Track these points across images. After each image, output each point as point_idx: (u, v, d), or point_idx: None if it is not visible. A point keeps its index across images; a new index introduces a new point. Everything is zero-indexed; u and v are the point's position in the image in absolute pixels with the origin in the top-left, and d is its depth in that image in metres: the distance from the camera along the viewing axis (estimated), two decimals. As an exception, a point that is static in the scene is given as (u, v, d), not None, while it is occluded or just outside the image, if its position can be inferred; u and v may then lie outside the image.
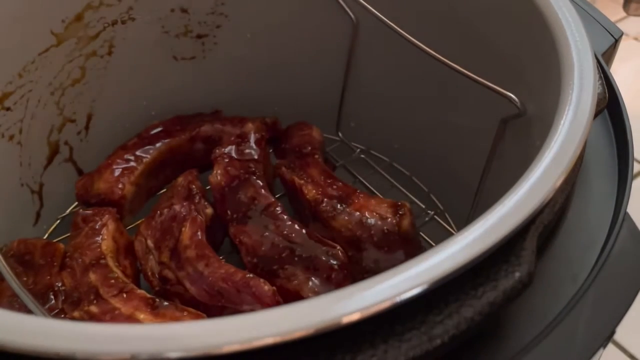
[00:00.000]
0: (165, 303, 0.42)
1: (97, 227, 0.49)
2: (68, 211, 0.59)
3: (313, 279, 0.45)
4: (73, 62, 0.54)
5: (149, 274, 0.48)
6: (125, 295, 0.43)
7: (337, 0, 0.56)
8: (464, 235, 0.28)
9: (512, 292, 0.29)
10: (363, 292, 0.26)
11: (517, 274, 0.29)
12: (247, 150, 0.55)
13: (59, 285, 0.46)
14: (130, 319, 0.41)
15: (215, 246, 0.51)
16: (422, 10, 0.52)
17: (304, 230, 0.48)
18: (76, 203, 0.58)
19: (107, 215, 0.50)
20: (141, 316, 0.41)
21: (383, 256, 0.48)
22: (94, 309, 0.43)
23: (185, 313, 0.42)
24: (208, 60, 0.61)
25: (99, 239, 0.48)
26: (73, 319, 0.43)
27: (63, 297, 0.45)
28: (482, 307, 0.28)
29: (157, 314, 0.42)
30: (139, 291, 0.44)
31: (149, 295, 0.44)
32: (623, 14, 0.77)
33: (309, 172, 0.53)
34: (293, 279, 0.45)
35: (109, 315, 0.42)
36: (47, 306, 0.44)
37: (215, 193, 0.52)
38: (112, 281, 0.45)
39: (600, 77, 0.39)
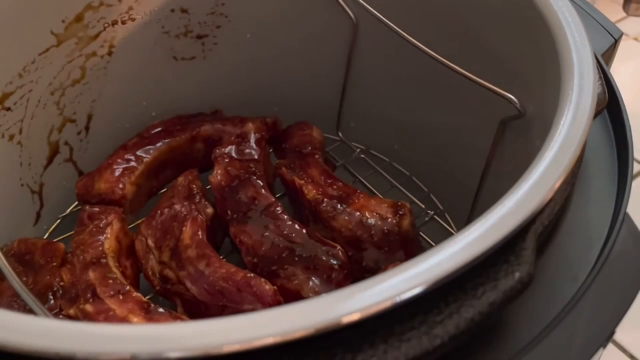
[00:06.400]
0: (161, 309, 0.42)
1: (101, 225, 0.50)
2: (68, 211, 0.59)
3: (313, 278, 0.45)
4: (73, 62, 0.54)
5: (150, 273, 0.48)
6: (121, 297, 0.44)
7: (337, 0, 0.56)
8: (464, 235, 0.28)
9: (512, 292, 0.29)
10: (363, 292, 0.26)
11: (517, 274, 0.29)
12: (248, 150, 0.55)
13: (58, 281, 0.46)
14: (124, 321, 0.41)
15: (216, 246, 0.52)
16: (421, 10, 0.52)
17: (304, 230, 0.48)
18: (76, 203, 0.58)
19: (112, 214, 0.50)
20: (135, 319, 0.42)
21: (383, 256, 0.48)
22: (89, 307, 0.43)
23: (178, 321, 0.42)
24: (208, 60, 0.61)
25: (102, 237, 0.49)
26: (69, 316, 0.43)
27: (61, 292, 0.45)
28: (482, 307, 0.28)
29: (151, 318, 0.42)
30: (135, 294, 0.44)
31: (144, 299, 0.44)
32: (623, 14, 0.77)
33: (309, 172, 0.53)
34: (293, 278, 0.45)
35: (103, 316, 0.42)
36: (46, 306, 0.44)
37: (215, 193, 0.52)
38: (110, 281, 0.45)
39: (600, 77, 0.39)
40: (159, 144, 0.57)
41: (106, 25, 0.55)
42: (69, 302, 0.44)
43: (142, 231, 0.50)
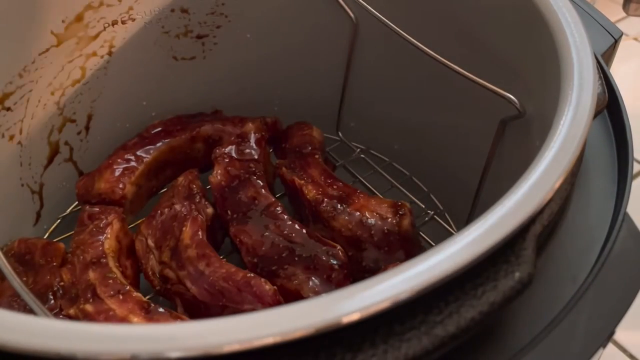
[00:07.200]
0: (161, 309, 0.43)
1: (102, 225, 0.50)
2: (68, 211, 0.59)
3: (313, 278, 0.45)
4: (73, 62, 0.54)
5: (150, 273, 0.48)
6: (121, 297, 0.44)
7: (337, 0, 0.56)
8: (464, 236, 0.28)
9: (512, 293, 0.29)
10: (363, 292, 0.26)
11: (517, 274, 0.29)
12: (248, 150, 0.55)
13: (58, 281, 0.46)
14: (124, 321, 0.42)
15: (216, 246, 0.52)
16: (421, 10, 0.52)
17: (304, 230, 0.48)
18: (76, 203, 0.58)
19: (112, 214, 0.50)
20: (134, 320, 0.42)
21: (383, 256, 0.48)
22: (89, 307, 0.43)
23: (178, 321, 0.42)
24: (208, 60, 0.61)
25: (102, 237, 0.49)
26: (69, 316, 0.43)
27: (61, 292, 0.45)
28: (482, 307, 0.28)
29: (151, 318, 0.42)
30: (135, 294, 0.44)
31: (144, 299, 0.44)
32: (623, 14, 0.77)
33: (309, 172, 0.53)
34: (293, 278, 0.45)
35: (103, 316, 0.42)
36: (46, 306, 0.44)
37: (215, 193, 0.52)
38: (110, 281, 0.45)
39: (600, 77, 0.39)
40: (159, 144, 0.57)
41: (106, 25, 0.55)
42: (69, 302, 0.44)
43: (142, 231, 0.50)
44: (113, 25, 0.55)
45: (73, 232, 0.51)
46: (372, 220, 0.48)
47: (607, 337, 0.33)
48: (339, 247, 0.46)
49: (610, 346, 0.71)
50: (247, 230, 0.48)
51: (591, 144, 0.43)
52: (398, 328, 0.27)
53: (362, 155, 0.64)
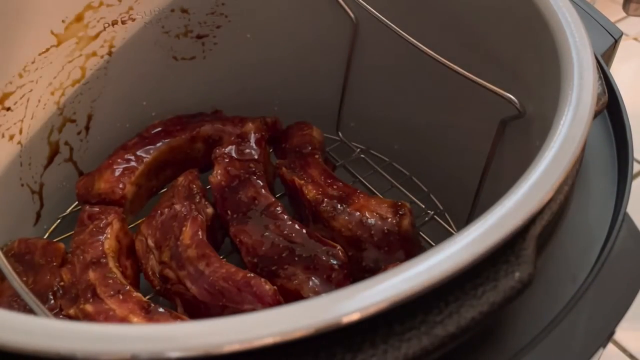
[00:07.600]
0: (161, 309, 0.43)
1: (101, 225, 0.50)
2: (68, 211, 0.59)
3: (313, 278, 0.45)
4: (73, 62, 0.54)
5: (150, 273, 0.48)
6: (121, 297, 0.44)
7: (337, 0, 0.56)
8: (464, 236, 0.28)
9: (512, 293, 0.29)
10: (363, 292, 0.26)
11: (517, 274, 0.29)
12: (248, 150, 0.55)
13: (58, 281, 0.46)
14: (124, 321, 0.42)
15: (216, 246, 0.52)
16: (421, 11, 0.52)
17: (304, 230, 0.48)
18: (76, 203, 0.58)
19: (112, 214, 0.51)
20: (135, 320, 0.42)
21: (383, 256, 0.48)
22: (89, 307, 0.43)
23: (178, 321, 0.42)
24: (208, 60, 0.61)
25: (102, 237, 0.49)
26: (69, 316, 0.43)
27: (61, 292, 0.45)
28: (482, 307, 0.28)
29: (151, 319, 0.42)
30: (135, 294, 0.44)
31: (144, 299, 0.44)
32: (623, 14, 0.77)
33: (309, 172, 0.53)
34: (293, 278, 0.45)
35: (103, 316, 0.42)
36: (46, 306, 0.44)
37: (215, 193, 0.52)
38: (110, 281, 0.45)
39: (600, 77, 0.39)
40: (159, 144, 0.57)
41: (106, 25, 0.55)
42: (69, 302, 0.44)
43: (142, 231, 0.50)
44: (113, 25, 0.55)
45: (73, 232, 0.51)
46: (372, 220, 0.48)
47: (607, 337, 0.33)
48: (339, 247, 0.46)
49: (610, 346, 0.71)
50: (247, 230, 0.48)
51: (591, 144, 0.43)
52: (398, 328, 0.27)
53: (362, 155, 0.64)
